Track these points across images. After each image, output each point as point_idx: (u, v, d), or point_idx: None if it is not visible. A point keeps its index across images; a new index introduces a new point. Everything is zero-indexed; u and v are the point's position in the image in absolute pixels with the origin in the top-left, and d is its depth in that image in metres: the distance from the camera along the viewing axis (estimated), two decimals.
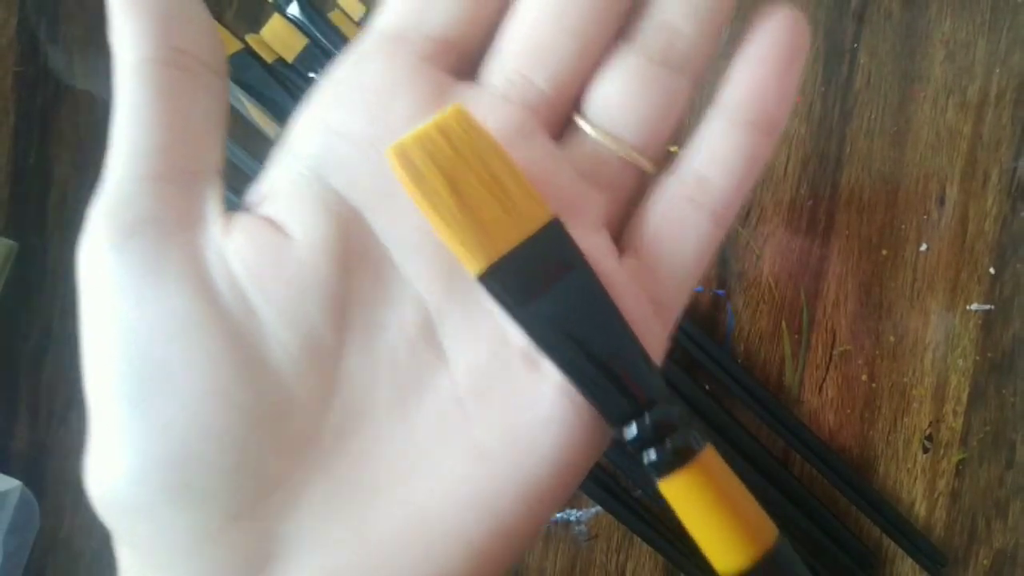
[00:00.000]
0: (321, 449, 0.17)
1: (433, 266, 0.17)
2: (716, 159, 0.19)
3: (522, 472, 0.16)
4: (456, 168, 0.16)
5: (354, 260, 0.17)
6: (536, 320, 0.17)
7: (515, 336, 0.17)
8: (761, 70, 0.20)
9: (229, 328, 0.16)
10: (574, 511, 0.36)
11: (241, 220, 0.18)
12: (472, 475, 0.16)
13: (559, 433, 0.17)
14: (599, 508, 0.35)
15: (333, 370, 0.17)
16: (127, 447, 0.16)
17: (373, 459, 0.17)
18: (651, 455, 0.17)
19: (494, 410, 0.17)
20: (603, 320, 0.17)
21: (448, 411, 0.17)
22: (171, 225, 0.17)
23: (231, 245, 0.17)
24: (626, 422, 0.17)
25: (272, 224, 0.18)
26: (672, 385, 0.34)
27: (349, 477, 0.17)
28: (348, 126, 0.18)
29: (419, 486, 0.17)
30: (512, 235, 0.16)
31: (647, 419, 0.16)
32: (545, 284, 0.16)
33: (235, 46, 0.35)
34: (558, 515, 0.36)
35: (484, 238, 0.16)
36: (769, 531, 0.17)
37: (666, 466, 0.17)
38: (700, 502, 0.17)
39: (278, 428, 0.16)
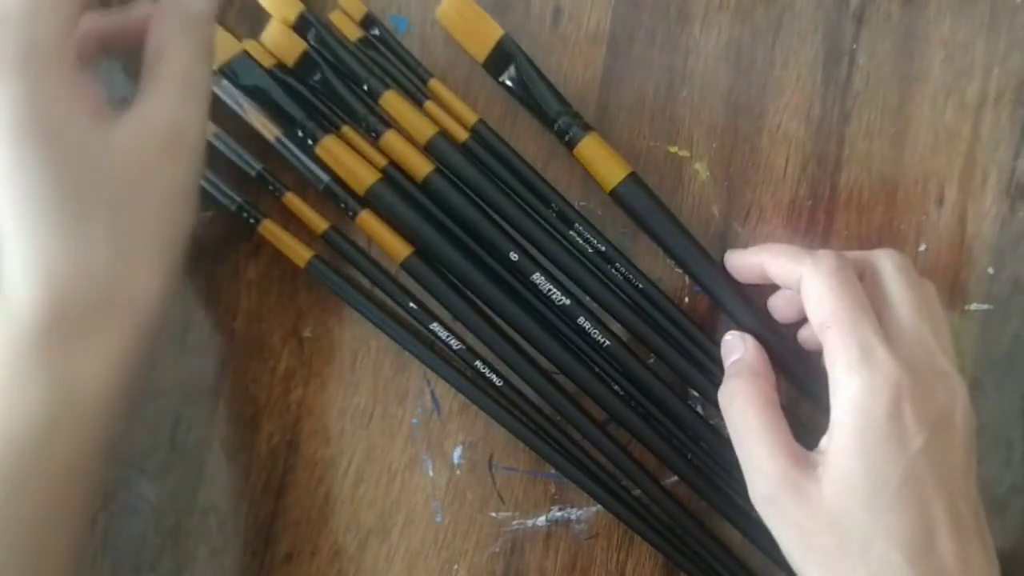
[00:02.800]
0: None
1: None
2: None
3: None
4: None
5: None
6: None
7: None
8: None
9: None
10: (574, 510, 0.36)
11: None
12: None
13: None
14: (599, 506, 0.35)
15: None
16: None
17: None
18: (570, 134, 0.34)
19: None
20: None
21: None
22: None
23: None
24: (555, 119, 0.34)
25: None
26: (671, 385, 0.34)
27: None
28: None
29: None
30: None
31: (564, 117, 0.34)
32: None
33: (236, 48, 0.35)
34: (558, 514, 0.36)
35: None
36: (627, 164, 0.34)
37: (578, 136, 0.34)
38: (597, 151, 0.34)
39: None
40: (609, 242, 0.34)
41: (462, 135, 0.34)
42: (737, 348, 0.32)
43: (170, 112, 0.27)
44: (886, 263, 0.30)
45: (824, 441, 0.28)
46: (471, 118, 0.34)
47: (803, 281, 0.29)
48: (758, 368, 0.31)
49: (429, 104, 0.34)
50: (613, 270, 0.34)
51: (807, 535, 0.28)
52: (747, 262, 0.33)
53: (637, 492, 0.35)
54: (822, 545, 0.27)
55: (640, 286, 0.34)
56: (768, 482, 0.28)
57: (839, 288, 0.28)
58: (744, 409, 0.29)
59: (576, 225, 0.34)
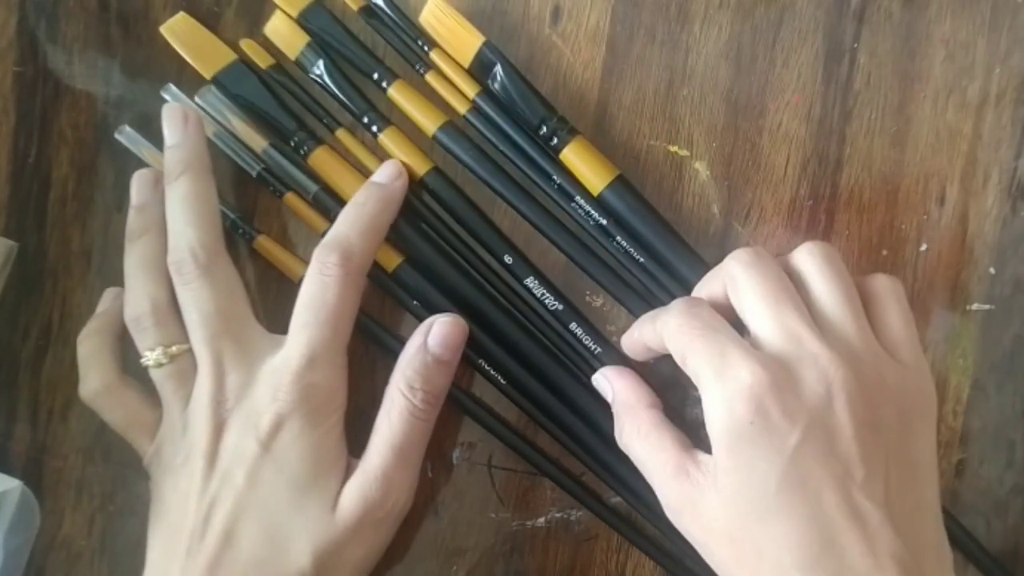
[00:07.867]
0: None
1: None
2: None
3: None
4: None
5: None
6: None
7: None
8: None
9: None
10: (574, 511, 0.36)
11: None
12: None
13: None
14: None
15: None
16: None
17: None
18: (555, 139, 0.33)
19: None
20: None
21: None
22: None
23: None
24: (540, 125, 0.33)
25: None
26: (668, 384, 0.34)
27: None
28: None
29: None
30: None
31: (549, 123, 0.33)
32: None
33: (229, 57, 0.34)
34: (558, 515, 0.36)
35: None
36: (614, 168, 0.33)
37: (564, 141, 0.33)
38: (584, 155, 0.33)
39: None
40: (610, 215, 0.33)
41: (464, 107, 0.34)
42: (606, 390, 0.33)
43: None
44: (801, 256, 0.30)
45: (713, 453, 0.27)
46: (472, 90, 0.34)
47: (664, 338, 0.29)
48: (629, 400, 0.31)
49: (431, 74, 0.34)
50: (614, 243, 0.34)
51: (709, 548, 0.28)
52: (632, 345, 0.33)
53: (618, 499, 0.35)
54: (722, 557, 0.27)
55: (641, 260, 0.33)
56: (667, 502, 0.29)
57: (686, 323, 0.28)
58: (631, 443, 0.30)
59: (576, 199, 0.33)
